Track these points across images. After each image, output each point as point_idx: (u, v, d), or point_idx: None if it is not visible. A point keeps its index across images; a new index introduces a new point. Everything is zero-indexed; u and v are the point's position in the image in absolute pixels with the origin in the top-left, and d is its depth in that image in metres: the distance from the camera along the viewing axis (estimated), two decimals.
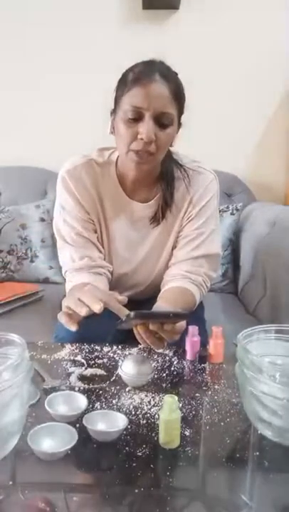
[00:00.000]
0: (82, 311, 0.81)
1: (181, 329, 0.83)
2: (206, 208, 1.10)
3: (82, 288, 0.90)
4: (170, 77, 0.98)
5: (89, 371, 0.85)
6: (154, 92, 0.95)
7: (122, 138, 0.99)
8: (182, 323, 0.83)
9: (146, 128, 0.95)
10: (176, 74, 1.01)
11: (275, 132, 2.09)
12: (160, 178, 1.10)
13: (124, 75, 1.00)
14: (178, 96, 0.99)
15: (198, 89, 2.01)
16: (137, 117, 0.96)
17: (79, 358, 0.91)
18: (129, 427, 0.68)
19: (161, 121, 0.97)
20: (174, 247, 1.13)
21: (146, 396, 0.77)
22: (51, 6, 2.02)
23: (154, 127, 0.96)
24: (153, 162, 1.01)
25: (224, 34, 2.02)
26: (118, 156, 1.10)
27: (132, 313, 0.76)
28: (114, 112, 1.03)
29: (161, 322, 0.80)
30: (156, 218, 1.11)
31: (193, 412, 0.74)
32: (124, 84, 0.99)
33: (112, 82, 1.03)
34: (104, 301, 0.82)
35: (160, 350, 0.93)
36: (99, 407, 0.74)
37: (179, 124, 1.05)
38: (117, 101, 1.01)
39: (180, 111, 1.02)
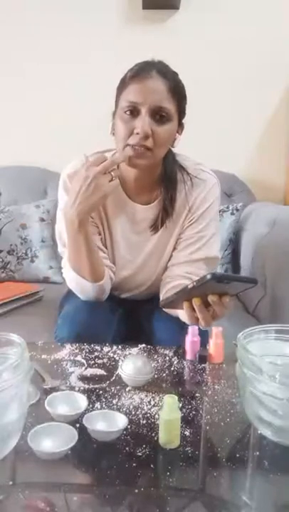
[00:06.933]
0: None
1: (230, 308, 0.83)
2: (207, 212, 1.09)
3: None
4: (168, 74, 0.98)
5: (89, 371, 0.85)
6: (150, 87, 0.95)
7: (119, 134, 0.99)
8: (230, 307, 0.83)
9: (141, 122, 0.95)
10: (176, 73, 1.01)
11: (275, 132, 2.09)
12: (162, 181, 1.10)
13: (124, 76, 1.00)
14: (176, 92, 0.98)
15: (199, 89, 2.02)
16: (134, 113, 0.96)
17: (79, 358, 0.91)
18: (129, 426, 0.68)
19: (158, 116, 0.96)
20: (174, 249, 1.13)
21: (146, 396, 0.77)
22: (51, 6, 2.02)
23: (150, 122, 0.96)
24: (151, 158, 1.00)
25: (224, 34, 2.01)
26: None
27: (209, 275, 0.73)
28: (114, 113, 1.03)
29: (225, 293, 0.80)
30: (156, 226, 1.10)
31: (193, 412, 0.74)
32: (122, 84, 0.99)
33: (112, 82, 1.03)
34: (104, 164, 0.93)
35: (204, 328, 0.88)
36: (99, 407, 0.74)
37: (181, 125, 1.04)
38: (116, 101, 1.02)
39: (180, 109, 1.01)
